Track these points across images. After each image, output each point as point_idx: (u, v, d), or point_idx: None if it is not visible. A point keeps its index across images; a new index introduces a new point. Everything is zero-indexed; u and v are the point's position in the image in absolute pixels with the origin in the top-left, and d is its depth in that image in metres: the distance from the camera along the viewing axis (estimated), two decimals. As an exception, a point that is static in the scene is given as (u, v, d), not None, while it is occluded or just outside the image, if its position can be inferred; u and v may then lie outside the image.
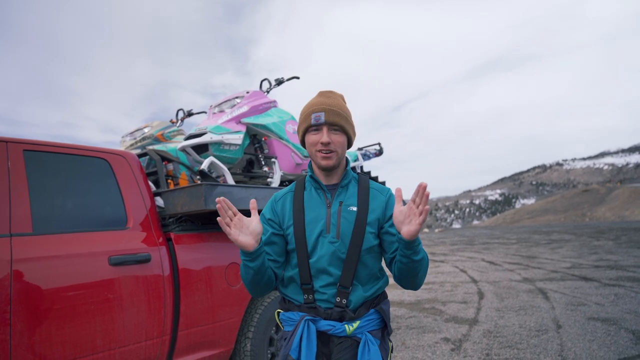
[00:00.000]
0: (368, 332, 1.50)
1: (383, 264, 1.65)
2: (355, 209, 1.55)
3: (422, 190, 1.32)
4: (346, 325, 1.48)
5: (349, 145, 1.63)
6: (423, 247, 1.46)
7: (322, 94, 1.62)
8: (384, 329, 1.56)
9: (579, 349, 4.01)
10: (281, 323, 1.62)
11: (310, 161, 1.66)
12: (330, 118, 1.51)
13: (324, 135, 1.51)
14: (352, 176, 1.66)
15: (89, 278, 2.29)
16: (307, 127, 1.56)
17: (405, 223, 1.36)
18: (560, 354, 3.90)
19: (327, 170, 1.58)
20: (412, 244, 1.37)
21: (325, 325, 1.49)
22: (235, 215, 1.41)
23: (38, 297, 2.10)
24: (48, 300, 2.12)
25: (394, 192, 1.50)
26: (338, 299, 1.50)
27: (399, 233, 1.38)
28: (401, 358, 4.06)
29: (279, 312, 1.64)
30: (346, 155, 1.67)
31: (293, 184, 1.71)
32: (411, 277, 1.47)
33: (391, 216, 1.56)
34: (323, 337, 1.51)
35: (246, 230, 1.41)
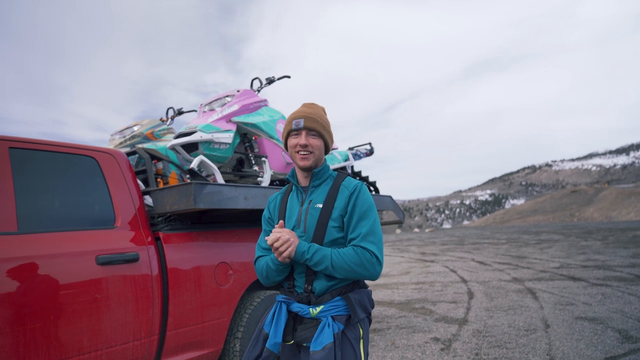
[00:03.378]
0: (332, 316, 1.67)
1: None
2: (320, 206, 1.76)
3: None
4: (310, 309, 1.69)
5: (327, 150, 1.86)
6: (378, 251, 1.70)
7: (305, 104, 1.88)
8: (350, 316, 1.70)
9: (566, 348, 4.05)
10: None
11: (293, 167, 1.89)
12: (308, 124, 1.76)
13: (302, 138, 1.76)
14: (329, 175, 1.87)
15: (76, 278, 2.26)
16: (289, 132, 1.80)
17: None
18: (549, 353, 3.93)
19: (305, 171, 1.81)
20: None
21: (296, 307, 1.74)
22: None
23: (23, 297, 2.07)
24: (33, 301, 2.09)
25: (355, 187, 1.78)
26: (306, 285, 1.73)
27: None
28: (391, 358, 4.06)
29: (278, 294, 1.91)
30: (337, 155, 1.89)
31: (286, 186, 1.97)
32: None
33: (352, 210, 1.73)
34: (298, 318, 1.74)
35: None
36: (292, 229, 1.77)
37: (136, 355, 2.46)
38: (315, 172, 1.82)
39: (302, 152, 1.76)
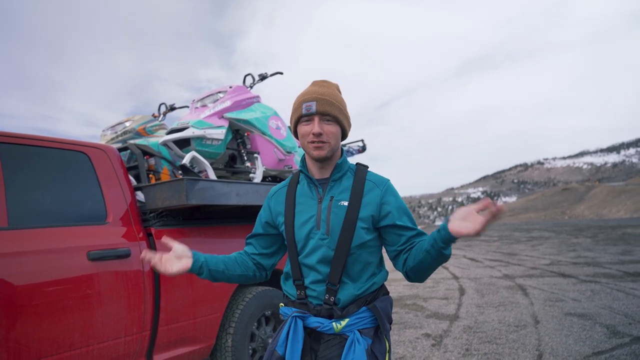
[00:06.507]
0: (359, 330, 1.46)
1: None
2: (346, 203, 1.49)
3: (498, 210, 1.24)
4: (334, 323, 1.45)
5: (344, 136, 1.57)
6: None
7: (315, 83, 1.57)
8: (377, 328, 1.51)
9: (555, 343, 4.10)
10: (282, 316, 1.63)
11: (303, 155, 1.61)
12: (321, 108, 1.45)
13: (315, 126, 1.45)
14: (349, 168, 1.59)
15: (67, 273, 2.26)
16: (299, 118, 1.51)
17: (465, 222, 1.28)
18: (538, 349, 3.97)
19: (320, 162, 1.52)
20: (450, 240, 1.32)
21: (314, 322, 1.48)
22: (160, 258, 1.52)
23: (13, 293, 2.06)
24: (24, 297, 2.08)
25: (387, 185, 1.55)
26: (327, 297, 1.48)
27: (447, 224, 1.31)
28: (382, 353, 4.09)
29: (281, 305, 1.65)
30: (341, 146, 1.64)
31: (289, 177, 1.68)
32: (429, 268, 1.43)
33: (389, 212, 1.50)
34: (314, 334, 1.50)
35: (174, 259, 1.56)
36: (309, 231, 1.50)
37: (128, 350, 2.46)
38: (338, 163, 1.54)
39: (316, 142, 1.47)
